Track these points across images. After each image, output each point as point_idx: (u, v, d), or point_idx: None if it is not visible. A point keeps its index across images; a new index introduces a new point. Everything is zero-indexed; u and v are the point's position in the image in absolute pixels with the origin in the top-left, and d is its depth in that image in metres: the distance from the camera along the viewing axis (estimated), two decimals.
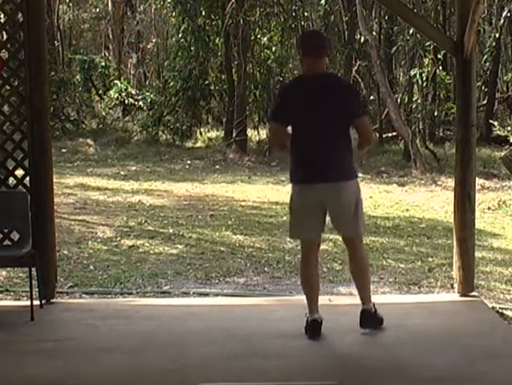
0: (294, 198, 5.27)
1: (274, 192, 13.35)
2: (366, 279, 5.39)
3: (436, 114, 18.51)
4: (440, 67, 18.91)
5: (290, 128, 5.24)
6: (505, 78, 22.70)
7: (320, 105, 5.10)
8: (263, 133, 19.88)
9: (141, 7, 26.71)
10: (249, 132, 19.90)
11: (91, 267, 7.87)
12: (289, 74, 21.68)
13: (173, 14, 20.51)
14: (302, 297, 6.72)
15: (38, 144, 6.09)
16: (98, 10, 27.82)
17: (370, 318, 5.25)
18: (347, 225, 5.24)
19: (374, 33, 19.63)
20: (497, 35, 20.12)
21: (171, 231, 9.69)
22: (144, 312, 6.00)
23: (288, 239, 9.27)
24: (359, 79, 21.35)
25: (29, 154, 6.13)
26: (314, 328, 5.19)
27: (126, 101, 22.01)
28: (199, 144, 20.10)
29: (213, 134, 21.29)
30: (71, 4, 27.76)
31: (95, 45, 30.20)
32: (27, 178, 6.20)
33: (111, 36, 27.77)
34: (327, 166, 5.10)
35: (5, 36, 6.63)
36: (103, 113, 22.37)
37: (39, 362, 4.86)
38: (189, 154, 18.39)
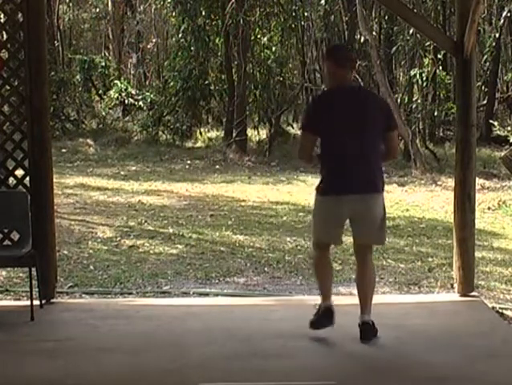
0: (322, 208, 5.26)
1: (274, 192, 13.35)
2: (372, 291, 5.39)
3: (436, 114, 18.50)
4: (440, 67, 18.91)
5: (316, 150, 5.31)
6: (505, 78, 22.70)
7: (353, 117, 5.11)
8: (263, 133, 19.90)
9: (141, 7, 26.70)
10: (249, 132, 19.90)
11: (91, 267, 7.87)
12: (289, 74, 21.69)
13: (173, 14, 20.51)
14: (303, 298, 6.74)
15: (38, 144, 6.09)
16: (98, 10, 27.80)
17: (370, 331, 5.23)
18: (371, 234, 5.27)
19: (374, 33, 19.62)
20: (497, 35, 20.12)
21: (171, 231, 9.69)
22: (144, 312, 6.00)
23: (288, 239, 9.29)
24: (359, 79, 21.36)
25: (29, 154, 6.13)
26: (328, 315, 5.21)
27: (126, 101, 21.98)
28: (199, 144, 20.10)
29: (213, 134, 21.29)
30: (71, 4, 27.75)
31: (95, 45, 30.19)
32: (27, 178, 6.20)
33: (111, 36, 27.76)
34: (359, 178, 5.10)
35: (5, 36, 6.63)
36: (103, 113, 22.35)
37: (39, 362, 4.86)
38: (189, 154, 18.39)
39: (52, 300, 6.20)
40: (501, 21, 19.96)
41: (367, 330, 5.20)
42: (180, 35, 19.84)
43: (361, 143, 5.09)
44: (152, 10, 25.71)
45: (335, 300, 6.23)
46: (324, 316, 5.23)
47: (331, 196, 5.17)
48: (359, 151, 5.07)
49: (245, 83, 18.94)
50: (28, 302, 5.76)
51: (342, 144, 5.09)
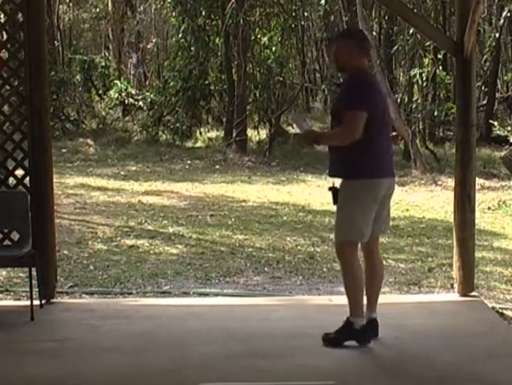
0: (368, 193, 5.01)
1: (274, 192, 13.36)
2: (380, 287, 5.37)
3: (436, 114, 18.50)
4: (440, 67, 18.91)
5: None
6: (505, 78, 22.72)
7: (385, 101, 5.22)
8: (263, 133, 19.90)
9: (141, 7, 26.70)
10: (249, 132, 19.91)
11: (91, 267, 7.87)
12: (289, 74, 21.70)
13: (173, 14, 20.52)
14: (303, 297, 6.74)
15: (38, 144, 6.09)
16: (98, 10, 27.80)
17: (378, 328, 5.22)
18: (386, 221, 5.28)
19: (374, 33, 19.62)
20: (497, 35, 20.13)
21: (171, 231, 9.69)
22: (144, 312, 5.99)
23: (288, 239, 9.29)
24: None
25: (29, 154, 6.12)
26: (369, 332, 5.13)
27: (126, 101, 21.99)
28: (199, 144, 20.10)
29: (213, 134, 21.29)
30: (71, 4, 27.76)
31: (95, 45, 30.21)
32: (27, 178, 6.20)
33: (111, 36, 27.78)
34: (392, 161, 5.19)
35: (5, 36, 6.63)
36: (103, 113, 22.35)
37: (39, 362, 4.86)
38: (189, 154, 18.39)
39: (52, 300, 6.20)
40: (501, 21, 19.97)
41: (377, 327, 5.19)
42: (180, 35, 19.85)
43: (390, 126, 5.19)
44: (152, 10, 25.71)
45: (335, 300, 6.24)
46: (370, 330, 5.11)
47: (378, 180, 5.02)
48: (389, 135, 5.16)
49: (245, 83, 18.94)
50: (28, 302, 5.76)
51: (386, 128, 5.10)
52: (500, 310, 6.22)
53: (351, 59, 5.11)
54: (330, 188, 5.12)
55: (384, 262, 8.07)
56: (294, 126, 5.53)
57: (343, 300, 6.36)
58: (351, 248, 5.07)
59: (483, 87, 21.45)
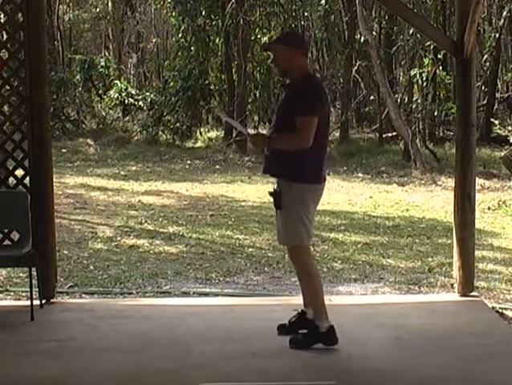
0: (311, 199, 5.04)
1: None
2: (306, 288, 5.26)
3: (436, 114, 18.52)
4: (440, 67, 18.93)
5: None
6: (505, 78, 22.74)
7: (328, 102, 5.24)
8: (263, 133, 19.88)
9: (141, 7, 26.73)
10: (250, 132, 19.89)
11: (91, 267, 7.87)
12: None
13: (173, 14, 20.55)
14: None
15: (38, 144, 6.09)
16: (98, 10, 27.83)
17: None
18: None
19: (374, 33, 19.65)
20: (497, 35, 20.15)
21: (171, 231, 9.69)
22: (144, 312, 6.00)
23: None
24: (359, 79, 21.36)
25: (29, 154, 6.12)
26: (335, 333, 5.05)
27: (126, 101, 22.00)
28: (199, 144, 20.10)
29: (213, 134, 21.28)
30: (71, 4, 27.79)
31: (95, 45, 30.23)
32: (27, 178, 6.20)
33: (111, 36, 27.81)
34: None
35: (5, 36, 6.63)
36: (103, 113, 22.37)
37: (39, 362, 4.86)
38: (189, 154, 18.40)
39: (52, 300, 6.20)
40: (501, 21, 20.01)
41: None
42: (180, 35, 19.88)
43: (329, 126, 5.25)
44: (152, 10, 25.75)
45: (335, 300, 6.24)
46: (334, 334, 5.02)
47: (320, 185, 5.09)
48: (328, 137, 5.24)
49: (245, 83, 18.95)
50: (28, 302, 5.76)
51: (325, 132, 5.10)
52: (500, 310, 6.22)
53: (293, 61, 5.01)
54: (271, 193, 5.04)
55: (384, 262, 8.12)
56: (225, 120, 5.44)
57: (343, 300, 6.38)
58: (307, 250, 5.14)
59: (483, 87, 21.46)
